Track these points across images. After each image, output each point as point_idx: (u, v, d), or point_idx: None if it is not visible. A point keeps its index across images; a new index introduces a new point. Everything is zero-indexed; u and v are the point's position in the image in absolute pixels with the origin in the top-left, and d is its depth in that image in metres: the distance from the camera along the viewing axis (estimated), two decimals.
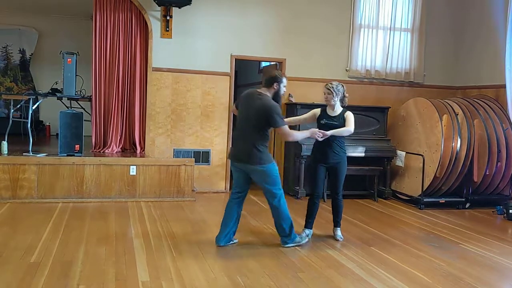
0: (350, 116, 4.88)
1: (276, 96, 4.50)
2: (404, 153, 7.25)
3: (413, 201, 7.03)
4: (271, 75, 4.53)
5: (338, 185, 4.96)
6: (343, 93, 4.93)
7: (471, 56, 8.09)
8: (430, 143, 6.88)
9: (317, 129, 4.67)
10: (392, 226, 5.78)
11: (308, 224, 5.07)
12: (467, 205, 6.99)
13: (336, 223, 5.11)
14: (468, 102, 7.26)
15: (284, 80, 4.52)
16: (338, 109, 4.93)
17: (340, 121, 4.86)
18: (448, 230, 5.69)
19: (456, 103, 7.17)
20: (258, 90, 4.55)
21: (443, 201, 6.91)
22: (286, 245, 4.65)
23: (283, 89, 4.52)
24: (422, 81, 8.17)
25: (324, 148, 4.86)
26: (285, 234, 4.63)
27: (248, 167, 4.46)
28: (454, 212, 6.69)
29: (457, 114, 6.93)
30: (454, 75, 8.31)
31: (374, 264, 4.28)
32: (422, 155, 6.83)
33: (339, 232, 5.08)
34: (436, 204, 6.87)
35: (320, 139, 4.65)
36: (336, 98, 4.89)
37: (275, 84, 4.46)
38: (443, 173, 6.77)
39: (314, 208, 5.04)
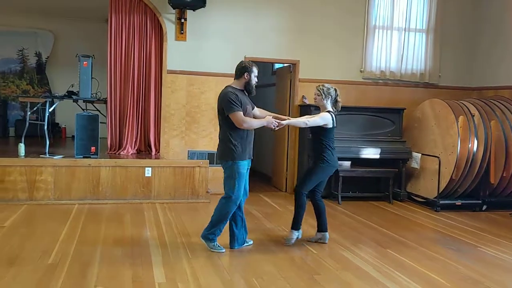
0: (320, 114, 4.73)
1: (248, 86, 4.45)
2: (419, 154, 7.19)
3: (428, 203, 6.97)
4: (241, 65, 4.47)
5: (303, 179, 4.83)
6: (335, 98, 4.81)
7: (487, 57, 8.00)
8: (446, 144, 6.81)
9: (273, 118, 4.49)
10: (408, 228, 5.74)
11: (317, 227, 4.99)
12: (484, 207, 6.90)
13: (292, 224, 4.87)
14: (485, 103, 7.18)
15: (254, 69, 4.45)
16: (324, 110, 4.80)
17: None
18: (465, 232, 5.62)
19: (472, 104, 7.09)
20: (229, 84, 4.52)
21: (460, 203, 6.83)
22: (202, 240, 4.53)
23: (254, 79, 4.45)
24: (438, 82, 8.09)
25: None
26: (207, 231, 4.51)
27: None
28: (470, 215, 6.61)
29: (473, 115, 6.85)
30: (470, 75, 8.23)
31: (391, 267, 4.24)
32: (438, 157, 6.77)
33: (289, 235, 4.84)
34: (452, 206, 6.80)
35: (275, 128, 4.50)
36: (326, 101, 4.77)
37: (245, 74, 4.42)
38: (459, 175, 6.70)
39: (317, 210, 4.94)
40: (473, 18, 8.19)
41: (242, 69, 4.44)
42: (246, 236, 4.71)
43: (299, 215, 4.81)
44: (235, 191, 4.40)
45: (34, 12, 9.90)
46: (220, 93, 4.47)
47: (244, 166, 4.45)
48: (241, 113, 4.30)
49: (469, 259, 4.59)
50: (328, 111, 4.76)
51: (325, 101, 4.78)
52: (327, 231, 4.92)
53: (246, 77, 4.43)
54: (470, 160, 6.65)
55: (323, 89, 4.79)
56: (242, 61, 4.58)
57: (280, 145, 8.02)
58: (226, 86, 4.49)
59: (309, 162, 4.94)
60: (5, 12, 9.80)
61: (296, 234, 4.84)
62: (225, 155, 4.40)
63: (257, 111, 4.65)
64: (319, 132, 4.73)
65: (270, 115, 4.69)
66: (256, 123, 4.44)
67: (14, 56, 10.59)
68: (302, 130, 7.46)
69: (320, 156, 4.73)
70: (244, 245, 4.67)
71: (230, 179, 4.41)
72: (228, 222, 4.57)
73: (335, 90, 4.84)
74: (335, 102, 4.83)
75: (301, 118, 4.73)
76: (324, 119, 4.69)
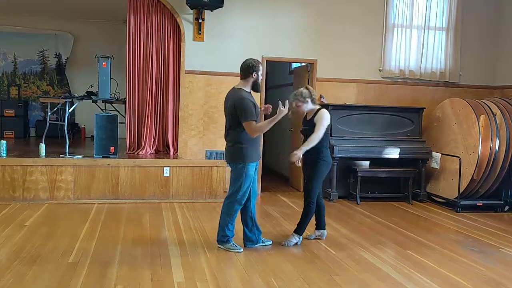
0: (319, 118, 4.58)
1: (255, 86, 4.39)
2: (439, 154, 7.09)
3: (449, 204, 6.87)
4: (248, 64, 4.34)
5: (307, 187, 4.73)
6: (311, 95, 4.67)
7: (510, 54, 7.85)
8: (467, 144, 6.71)
9: (282, 109, 4.21)
10: (428, 229, 5.66)
11: (316, 226, 5.00)
12: (506, 208, 6.78)
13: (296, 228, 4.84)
14: (507, 102, 7.04)
15: (260, 66, 4.38)
16: (313, 112, 4.71)
17: (311, 127, 4.64)
18: (487, 233, 5.52)
19: (493, 103, 6.97)
20: (236, 86, 4.44)
21: (481, 204, 6.72)
22: (218, 245, 4.54)
23: (260, 77, 4.39)
24: (458, 81, 7.98)
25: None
26: (219, 235, 4.52)
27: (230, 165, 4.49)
28: (492, 216, 6.49)
29: (495, 115, 6.73)
30: (491, 74, 8.09)
31: (411, 268, 4.18)
32: (458, 157, 6.66)
33: (290, 238, 4.77)
34: (473, 207, 6.69)
35: (297, 163, 4.44)
36: (307, 104, 4.67)
37: (253, 73, 4.34)
38: (481, 175, 6.59)
39: (318, 209, 4.90)
40: (494, 15, 8.05)
41: (249, 69, 4.35)
42: (259, 235, 4.67)
43: (304, 222, 4.77)
44: (240, 192, 4.39)
45: (54, 14, 10.03)
46: (233, 95, 4.37)
47: (253, 168, 4.42)
48: (255, 122, 4.25)
49: (492, 261, 4.50)
50: (320, 108, 4.68)
51: (307, 104, 4.67)
52: (325, 229, 4.99)
53: (253, 76, 4.36)
54: (492, 160, 6.54)
55: (298, 96, 4.65)
56: (247, 60, 4.42)
57: (298, 145, 7.96)
58: (238, 89, 4.39)
59: (304, 167, 4.80)
60: (25, 14, 9.96)
61: (297, 239, 4.78)
62: (236, 156, 4.38)
63: None
64: None
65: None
66: (265, 127, 4.34)
67: (35, 57, 10.75)
68: None
69: (318, 156, 4.65)
70: (259, 244, 4.65)
71: (238, 180, 4.39)
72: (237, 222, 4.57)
73: (307, 88, 4.72)
74: (312, 99, 4.69)
75: (311, 137, 4.52)
76: (327, 119, 4.60)
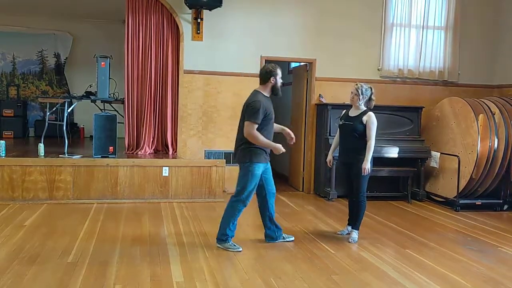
0: (370, 123, 4.78)
1: (275, 90, 4.48)
2: (438, 153, 7.09)
3: (448, 203, 6.87)
4: (266, 70, 4.48)
5: (358, 184, 4.94)
6: (370, 96, 4.92)
7: (509, 54, 7.86)
8: (465, 143, 6.71)
9: (281, 146, 4.45)
10: (427, 228, 5.66)
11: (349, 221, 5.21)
12: (505, 207, 6.79)
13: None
14: (505, 101, 7.05)
15: (279, 71, 4.48)
16: (360, 110, 4.92)
17: (356, 124, 4.84)
18: (486, 232, 5.53)
19: (492, 102, 6.97)
20: (257, 88, 4.54)
21: (480, 203, 6.72)
22: (217, 244, 4.56)
23: (279, 81, 4.48)
24: (457, 80, 7.98)
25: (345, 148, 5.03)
26: (219, 234, 4.55)
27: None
28: (491, 214, 6.50)
29: (494, 114, 6.74)
30: (490, 73, 8.09)
31: (410, 267, 4.19)
32: (457, 156, 6.67)
33: (353, 235, 4.98)
34: (472, 206, 6.69)
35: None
36: (362, 101, 4.90)
37: (271, 79, 4.44)
38: (480, 174, 6.60)
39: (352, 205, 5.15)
40: (493, 14, 8.06)
41: (267, 74, 4.46)
42: (279, 232, 4.76)
43: (359, 217, 5.01)
44: (246, 191, 4.42)
45: (53, 14, 10.03)
46: (250, 96, 4.48)
47: (260, 168, 4.46)
48: (255, 125, 4.33)
49: (491, 260, 4.51)
50: (367, 110, 4.87)
51: (361, 102, 4.89)
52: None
53: (272, 81, 4.46)
54: (491, 159, 6.55)
55: (361, 90, 4.88)
56: (265, 65, 4.59)
57: (297, 145, 7.97)
58: (256, 91, 4.49)
59: (344, 167, 5.08)
60: (25, 14, 9.96)
61: (357, 234, 4.97)
62: (244, 156, 4.43)
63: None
64: (364, 131, 4.81)
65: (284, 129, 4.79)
66: (263, 141, 4.39)
67: (34, 57, 10.74)
68: (319, 131, 7.44)
69: (361, 154, 4.82)
70: (280, 240, 4.74)
71: (244, 178, 4.43)
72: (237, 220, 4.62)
73: (371, 88, 4.93)
74: (368, 100, 4.92)
75: (369, 146, 4.77)
76: (375, 123, 4.80)
